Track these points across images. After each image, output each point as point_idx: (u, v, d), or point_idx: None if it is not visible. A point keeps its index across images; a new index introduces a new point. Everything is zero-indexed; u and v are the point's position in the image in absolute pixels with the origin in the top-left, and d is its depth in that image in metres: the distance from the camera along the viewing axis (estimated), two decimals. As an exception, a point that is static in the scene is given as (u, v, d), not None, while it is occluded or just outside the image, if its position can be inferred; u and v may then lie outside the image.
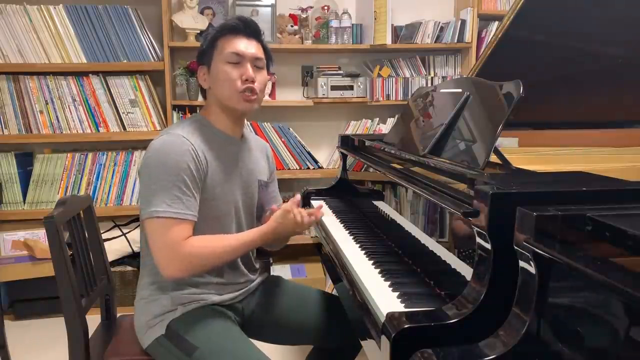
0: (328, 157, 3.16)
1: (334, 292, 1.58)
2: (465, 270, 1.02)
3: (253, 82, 1.36)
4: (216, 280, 1.38)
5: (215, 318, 1.33)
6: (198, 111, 1.51)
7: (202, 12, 2.88)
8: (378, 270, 1.22)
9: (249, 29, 1.38)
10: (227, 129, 1.41)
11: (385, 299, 1.06)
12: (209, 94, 1.41)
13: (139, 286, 1.41)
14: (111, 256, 2.61)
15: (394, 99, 3.03)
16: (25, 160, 2.82)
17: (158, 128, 2.81)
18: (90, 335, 1.39)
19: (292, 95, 3.14)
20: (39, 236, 2.66)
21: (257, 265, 1.55)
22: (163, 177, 1.24)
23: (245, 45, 1.36)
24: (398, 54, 3.10)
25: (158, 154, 1.27)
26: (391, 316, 0.91)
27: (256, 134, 2.90)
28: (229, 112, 1.40)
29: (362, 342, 1.13)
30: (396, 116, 2.91)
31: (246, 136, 1.49)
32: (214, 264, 1.30)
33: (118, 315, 1.64)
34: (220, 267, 1.38)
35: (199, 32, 2.80)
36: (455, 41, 3.00)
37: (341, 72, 3.01)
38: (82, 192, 2.78)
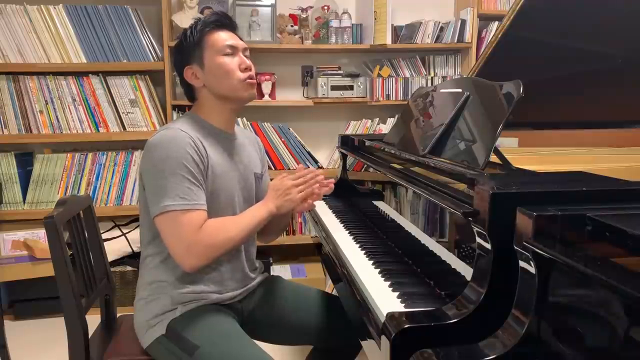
0: (328, 157, 3.16)
1: (334, 292, 1.58)
2: (465, 270, 1.02)
3: (251, 69, 1.40)
4: (216, 278, 1.38)
5: (216, 317, 1.33)
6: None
7: (202, 12, 2.88)
8: (378, 270, 1.22)
9: (230, 22, 1.41)
10: (221, 125, 1.42)
11: (385, 299, 1.06)
12: (202, 92, 1.41)
13: (138, 286, 1.41)
14: (111, 256, 2.61)
15: (394, 99, 3.03)
16: (25, 160, 2.82)
17: (158, 128, 2.81)
18: (90, 335, 1.39)
19: (292, 95, 3.14)
20: (39, 236, 2.66)
21: (257, 265, 1.55)
22: (170, 170, 1.24)
23: (234, 37, 1.40)
24: (398, 54, 3.10)
25: (160, 148, 1.27)
26: (391, 316, 0.91)
27: (256, 134, 2.90)
28: (228, 106, 1.40)
29: (362, 342, 1.13)
30: (396, 116, 2.91)
31: (237, 132, 1.50)
32: (230, 245, 1.30)
33: (118, 315, 1.64)
34: (221, 266, 1.38)
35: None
36: (455, 41, 3.00)
37: (341, 72, 3.01)
38: (82, 192, 2.78)
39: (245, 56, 1.41)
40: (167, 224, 1.25)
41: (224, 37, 1.37)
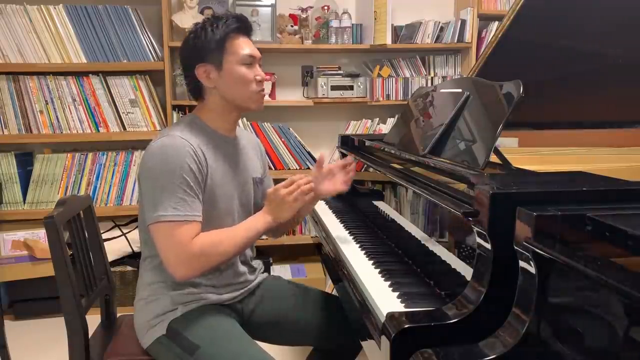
0: (328, 157, 3.16)
1: (334, 292, 1.58)
2: (465, 270, 1.02)
3: (264, 82, 1.41)
4: (216, 281, 1.38)
5: (217, 316, 1.33)
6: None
7: (202, 12, 2.88)
8: (378, 270, 1.22)
9: (250, 29, 1.41)
10: (222, 129, 1.41)
11: (385, 299, 1.06)
12: (211, 93, 1.38)
13: (138, 286, 1.41)
14: (111, 256, 2.61)
15: (394, 99, 3.03)
16: (25, 160, 2.82)
17: (158, 128, 2.81)
18: (90, 335, 1.39)
19: (292, 95, 3.14)
20: (39, 236, 2.66)
21: (257, 265, 1.55)
22: (166, 180, 1.24)
23: (252, 46, 1.39)
24: (398, 54, 3.10)
25: (159, 156, 1.26)
26: (391, 316, 0.91)
27: (256, 134, 2.91)
28: (234, 112, 1.40)
29: (362, 343, 1.13)
30: (396, 116, 2.91)
31: (238, 134, 1.49)
32: (224, 257, 1.30)
33: (118, 315, 1.64)
34: (220, 268, 1.38)
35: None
36: (455, 41, 3.00)
37: (341, 72, 3.01)
38: (82, 192, 2.78)
39: (259, 65, 1.41)
40: (160, 233, 1.24)
41: (245, 46, 1.36)
